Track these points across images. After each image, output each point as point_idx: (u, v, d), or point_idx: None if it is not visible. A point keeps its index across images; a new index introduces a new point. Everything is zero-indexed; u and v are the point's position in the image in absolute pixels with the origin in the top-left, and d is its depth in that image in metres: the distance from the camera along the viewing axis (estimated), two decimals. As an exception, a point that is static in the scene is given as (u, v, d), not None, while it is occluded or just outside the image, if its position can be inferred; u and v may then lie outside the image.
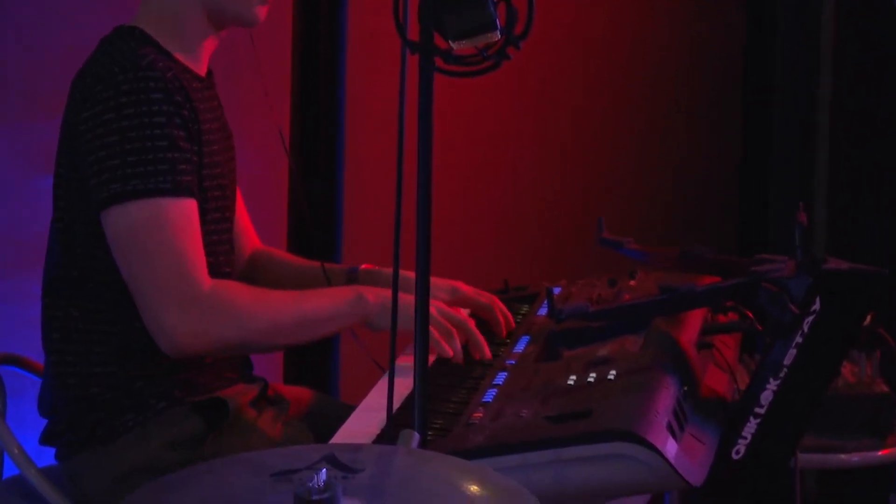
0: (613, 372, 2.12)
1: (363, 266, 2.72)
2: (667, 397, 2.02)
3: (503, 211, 4.22)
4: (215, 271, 2.43)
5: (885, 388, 3.01)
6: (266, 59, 2.61)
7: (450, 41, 1.93)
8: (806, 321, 2.08)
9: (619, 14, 4.37)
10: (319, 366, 3.89)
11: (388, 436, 1.96)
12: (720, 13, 4.50)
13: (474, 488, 1.55)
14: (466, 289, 2.65)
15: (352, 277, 2.70)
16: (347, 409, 2.35)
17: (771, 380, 2.08)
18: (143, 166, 2.33)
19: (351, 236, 3.93)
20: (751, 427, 2.07)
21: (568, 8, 4.19)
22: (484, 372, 2.36)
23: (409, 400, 2.08)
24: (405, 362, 2.02)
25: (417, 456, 1.69)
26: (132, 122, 2.33)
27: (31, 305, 2.58)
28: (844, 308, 2.10)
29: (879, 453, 2.98)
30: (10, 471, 2.51)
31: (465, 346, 2.45)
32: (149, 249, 2.32)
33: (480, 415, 2.08)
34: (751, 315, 2.38)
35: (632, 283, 2.62)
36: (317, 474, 1.47)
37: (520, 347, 2.42)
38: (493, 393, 2.18)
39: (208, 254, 2.39)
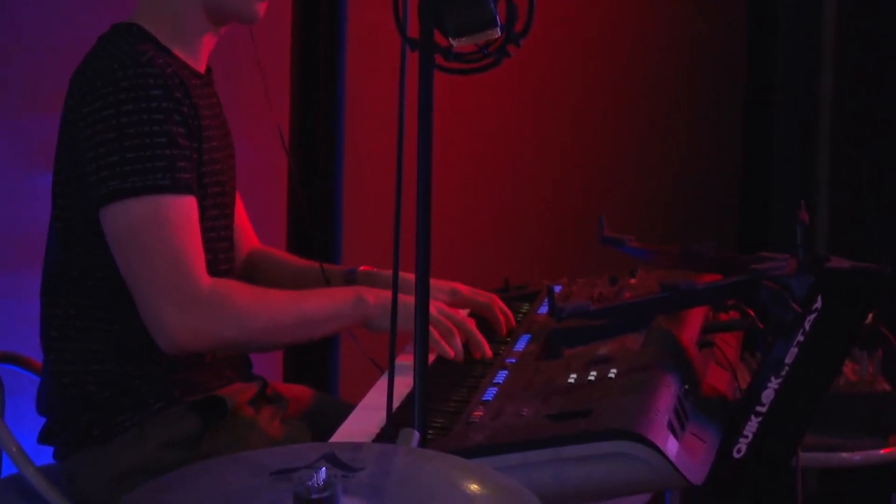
0: (614, 370, 2.11)
1: (362, 268, 2.71)
2: (668, 396, 2.01)
3: (503, 209, 4.21)
4: (214, 269, 2.42)
5: (887, 387, 3.01)
6: (265, 57, 2.60)
7: (450, 38, 1.92)
8: (807, 319, 2.08)
9: (620, 13, 4.36)
10: (319, 365, 3.89)
11: (387, 434, 1.96)
12: (721, 12, 4.50)
13: (474, 487, 1.54)
14: (465, 289, 2.65)
15: (350, 279, 2.69)
16: (347, 408, 2.34)
17: (772, 378, 2.07)
18: (141, 163, 2.31)
19: (350, 234, 3.92)
20: (752, 426, 2.06)
21: (568, 6, 4.19)
22: (484, 370, 2.35)
23: (409, 399, 2.08)
24: (405, 361, 2.01)
25: (417, 455, 1.68)
26: (131, 119, 2.32)
27: (29, 303, 2.57)
28: (846, 306, 2.10)
29: (881, 452, 2.98)
30: (8, 469, 2.50)
31: (466, 345, 2.45)
32: (148, 247, 2.31)
33: (481, 413, 2.08)
34: (752, 313, 2.38)
35: (633, 281, 2.61)
36: (316, 473, 1.46)
37: (520, 346, 2.42)
38: (494, 391, 2.18)
39: (207, 251, 2.38)
